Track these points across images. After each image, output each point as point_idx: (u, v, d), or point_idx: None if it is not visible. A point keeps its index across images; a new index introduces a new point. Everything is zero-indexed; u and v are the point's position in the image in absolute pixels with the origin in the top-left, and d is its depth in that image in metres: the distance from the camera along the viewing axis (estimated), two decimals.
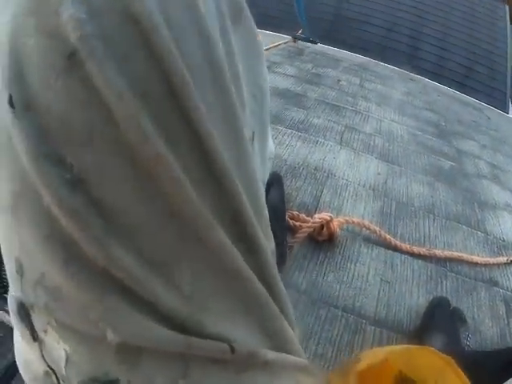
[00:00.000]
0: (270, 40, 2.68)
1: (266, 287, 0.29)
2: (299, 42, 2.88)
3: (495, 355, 0.72)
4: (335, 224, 1.02)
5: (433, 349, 0.48)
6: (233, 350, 0.26)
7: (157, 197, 0.23)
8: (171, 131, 0.23)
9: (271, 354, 0.29)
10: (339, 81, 2.35)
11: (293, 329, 0.33)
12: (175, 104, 0.23)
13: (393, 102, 2.29)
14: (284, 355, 0.31)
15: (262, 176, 0.37)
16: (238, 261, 0.27)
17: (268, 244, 0.31)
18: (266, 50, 2.54)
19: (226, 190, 0.26)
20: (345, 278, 0.97)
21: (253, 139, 0.33)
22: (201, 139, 0.24)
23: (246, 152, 0.28)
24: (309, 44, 2.88)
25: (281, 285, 0.31)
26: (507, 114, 3.38)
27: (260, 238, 0.29)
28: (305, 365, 0.35)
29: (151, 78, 0.21)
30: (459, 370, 0.45)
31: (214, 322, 0.27)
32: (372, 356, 0.53)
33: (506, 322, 1.01)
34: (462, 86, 3.60)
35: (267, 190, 0.91)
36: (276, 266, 0.32)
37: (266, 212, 0.32)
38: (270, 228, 0.33)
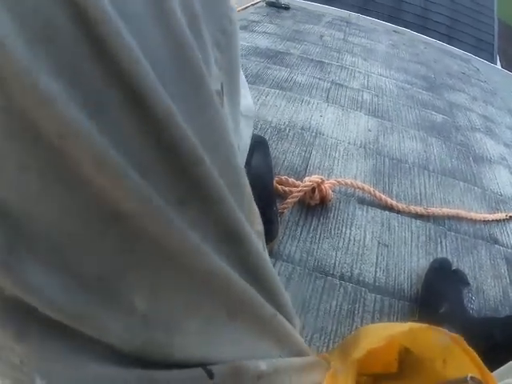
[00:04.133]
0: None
1: (254, 280, 0.22)
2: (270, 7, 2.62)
3: (508, 324, 0.66)
4: (327, 186, 0.94)
5: (439, 327, 0.44)
6: (211, 374, 0.19)
7: (80, 191, 0.16)
8: (92, 92, 0.15)
9: (265, 364, 0.24)
10: (322, 36, 2.24)
11: (291, 321, 0.28)
12: (97, 52, 0.15)
13: (379, 55, 2.19)
14: (281, 360, 0.26)
15: (236, 138, 0.30)
16: (210, 260, 0.19)
17: (253, 226, 0.24)
18: (244, 8, 2.40)
19: (184, 163, 0.18)
20: (341, 244, 0.90)
21: (222, 93, 0.27)
22: (140, 99, 0.16)
23: (213, 110, 0.22)
24: (287, 1, 2.70)
25: (273, 274, 0.24)
26: (495, 65, 3.31)
27: (240, 222, 0.21)
28: (307, 362, 0.29)
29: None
30: (468, 347, 0.41)
31: (184, 343, 0.20)
32: (373, 335, 0.49)
33: (508, 280, 0.97)
34: (447, 38, 3.49)
35: (250, 156, 0.82)
36: (265, 252, 0.25)
37: (246, 183, 0.25)
38: (253, 203, 0.26)
